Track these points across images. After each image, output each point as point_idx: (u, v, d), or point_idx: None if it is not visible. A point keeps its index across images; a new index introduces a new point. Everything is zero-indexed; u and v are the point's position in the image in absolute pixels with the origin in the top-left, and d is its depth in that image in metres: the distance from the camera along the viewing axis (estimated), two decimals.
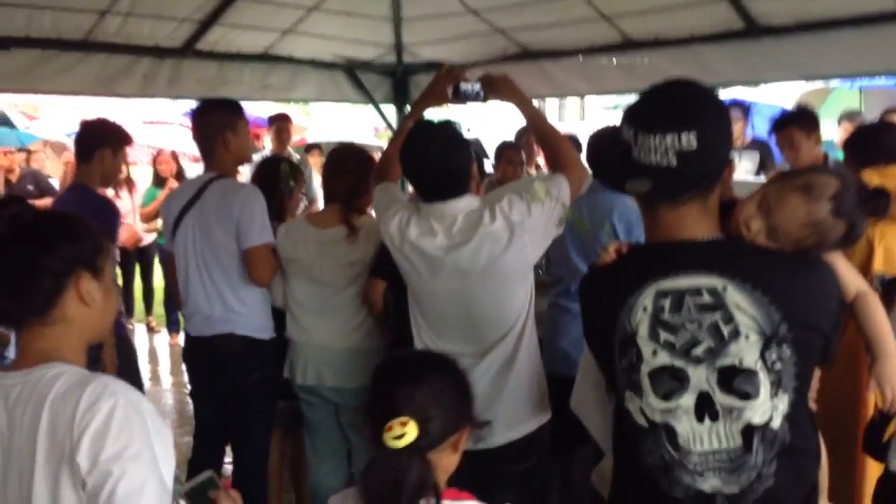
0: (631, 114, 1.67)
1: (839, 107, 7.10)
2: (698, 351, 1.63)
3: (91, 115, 4.91)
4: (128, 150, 4.33)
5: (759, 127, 6.75)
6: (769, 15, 4.71)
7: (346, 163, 3.29)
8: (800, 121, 4.78)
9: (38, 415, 1.42)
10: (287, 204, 3.91)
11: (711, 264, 1.66)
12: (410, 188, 3.19)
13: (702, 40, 5.06)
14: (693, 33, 5.06)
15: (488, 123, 13.07)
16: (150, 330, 9.01)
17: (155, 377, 7.51)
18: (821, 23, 4.57)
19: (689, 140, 1.56)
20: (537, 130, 2.73)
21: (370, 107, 6.78)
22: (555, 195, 2.44)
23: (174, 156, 7.95)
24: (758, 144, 6.09)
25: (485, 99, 2.80)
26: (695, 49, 5.13)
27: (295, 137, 10.02)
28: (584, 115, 21.33)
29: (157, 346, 8.59)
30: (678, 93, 1.66)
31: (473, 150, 2.59)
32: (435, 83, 2.96)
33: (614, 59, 5.55)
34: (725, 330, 1.62)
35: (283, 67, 5.95)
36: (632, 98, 1.80)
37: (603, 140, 3.44)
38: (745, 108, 6.11)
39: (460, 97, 2.81)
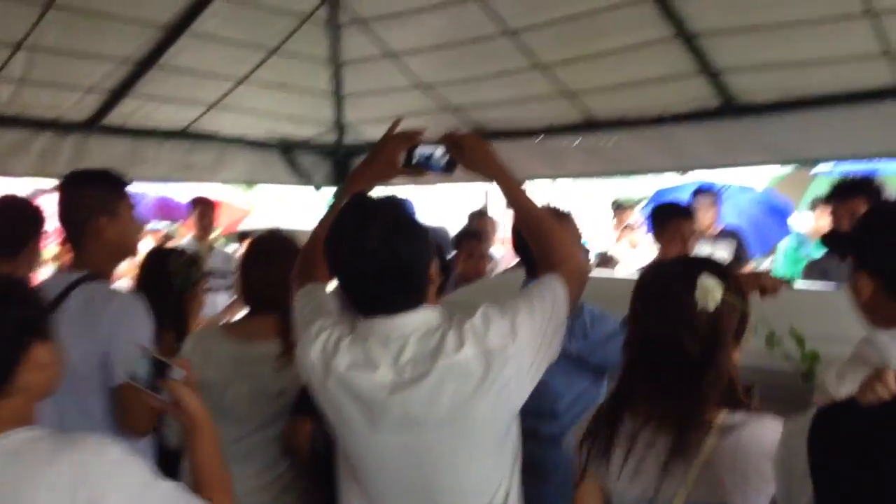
0: None
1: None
2: None
3: None
4: None
5: (728, 213, 6.31)
6: (750, 91, 4.27)
7: (279, 255, 2.47)
8: (869, 190, 3.94)
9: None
10: (188, 308, 3.14)
11: None
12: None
13: (674, 119, 4.59)
14: (664, 112, 4.59)
15: (442, 203, 10.85)
16: None
17: None
18: (807, 100, 4.13)
19: None
20: (522, 214, 1.98)
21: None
22: (549, 306, 1.75)
23: None
24: (730, 234, 5.62)
25: (450, 169, 2.06)
26: (666, 129, 4.67)
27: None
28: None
29: None
30: None
31: (435, 242, 1.90)
32: (382, 147, 2.10)
33: (577, 140, 5.04)
34: None
35: (207, 145, 5.30)
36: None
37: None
38: (714, 194, 5.65)
39: (417, 166, 2.07)
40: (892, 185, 7.53)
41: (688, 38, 3.93)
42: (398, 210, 1.74)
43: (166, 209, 9.98)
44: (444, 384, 1.65)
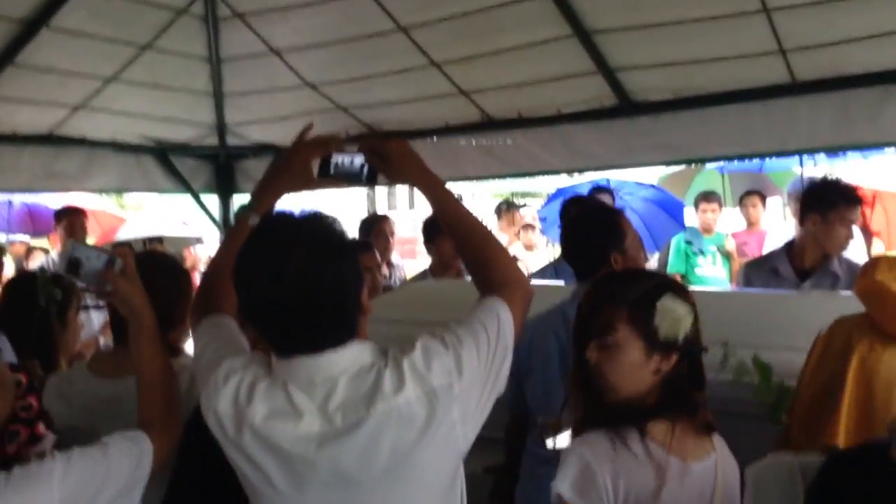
0: None
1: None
2: None
3: None
4: None
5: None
6: (646, 90, 4.23)
7: (156, 277, 2.03)
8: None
9: None
10: (58, 340, 2.74)
11: None
12: None
13: (570, 119, 4.50)
14: (561, 111, 4.50)
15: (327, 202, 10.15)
16: None
17: None
18: (701, 99, 4.12)
19: None
20: (456, 227, 1.75)
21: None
22: (495, 334, 1.54)
23: None
24: None
25: (371, 179, 1.83)
26: (563, 129, 4.58)
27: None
28: (414, 202, 20.94)
29: None
30: None
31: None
32: (293, 156, 1.86)
33: (473, 140, 4.89)
34: None
35: (74, 151, 4.86)
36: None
37: None
38: (611, 193, 5.62)
39: (333, 176, 1.82)
40: (781, 182, 7.86)
41: (584, 36, 3.84)
42: (324, 228, 1.49)
43: (36, 219, 9.25)
44: (382, 432, 1.42)
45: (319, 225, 1.49)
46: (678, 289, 1.73)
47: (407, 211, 21.52)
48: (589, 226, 2.57)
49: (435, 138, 5.01)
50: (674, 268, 5.82)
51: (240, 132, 5.42)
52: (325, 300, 1.42)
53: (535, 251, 7.05)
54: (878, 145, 4.10)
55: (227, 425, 1.48)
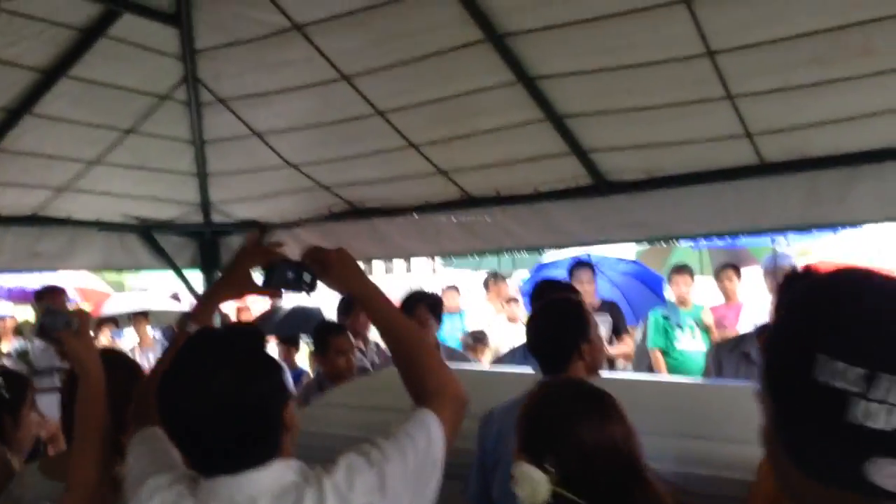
0: (852, 341, 0.82)
1: None
2: None
3: None
4: None
5: (602, 286, 6.36)
6: (618, 171, 4.31)
7: (110, 379, 1.98)
8: None
9: None
10: (10, 438, 2.63)
11: None
12: None
13: (548, 197, 4.58)
14: (538, 189, 4.58)
15: None
16: None
17: None
18: (673, 178, 4.20)
19: None
20: (391, 336, 1.79)
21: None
22: (423, 447, 1.54)
23: None
24: (608, 306, 5.65)
25: (312, 287, 1.89)
26: (540, 207, 4.66)
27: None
28: (411, 266, 21.03)
29: None
30: None
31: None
32: (236, 265, 1.93)
33: (453, 217, 4.96)
34: None
35: (58, 231, 4.91)
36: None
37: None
38: (592, 268, 5.67)
39: (275, 284, 1.86)
40: (759, 254, 7.92)
41: (556, 120, 3.93)
42: (248, 348, 1.50)
43: (22, 297, 9.24)
44: None
45: (243, 344, 1.50)
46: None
47: (404, 274, 21.67)
48: (555, 320, 2.58)
49: (416, 215, 5.09)
50: (653, 342, 5.83)
51: (224, 210, 5.49)
52: (246, 421, 1.42)
53: (518, 324, 7.07)
54: (846, 224, 4.15)
55: None
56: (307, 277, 1.84)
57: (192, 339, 1.57)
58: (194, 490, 1.48)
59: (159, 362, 1.86)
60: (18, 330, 8.11)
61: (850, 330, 0.81)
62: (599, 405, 1.75)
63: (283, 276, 1.85)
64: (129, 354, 8.55)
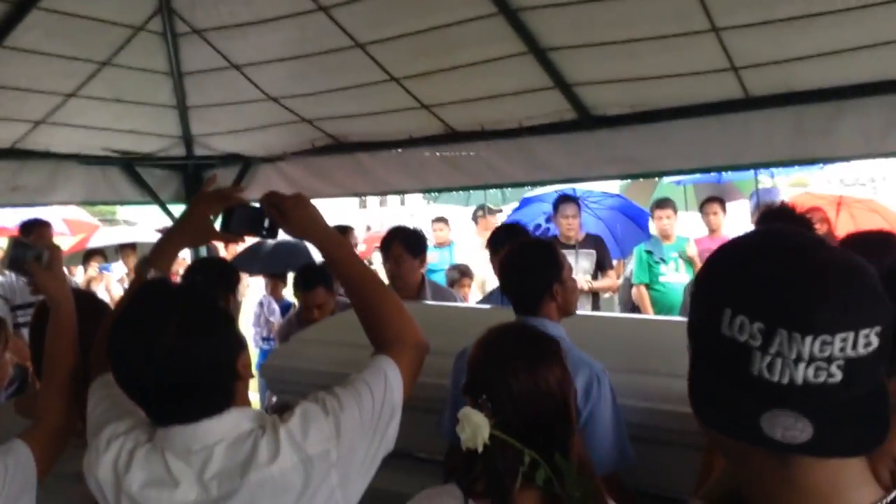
0: (753, 297, 0.84)
1: None
2: None
3: None
4: None
5: (587, 221, 6.34)
6: (603, 105, 4.26)
7: (82, 318, 1.97)
8: None
9: None
10: None
11: None
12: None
13: (531, 131, 4.53)
14: (521, 124, 4.52)
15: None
16: None
17: None
18: (657, 113, 4.15)
19: (869, 339, 0.82)
20: (350, 283, 1.76)
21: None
22: (380, 393, 1.54)
23: None
24: (593, 241, 5.65)
25: (272, 232, 1.87)
26: (524, 142, 4.61)
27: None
28: (405, 199, 20.97)
29: None
30: (836, 260, 0.85)
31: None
32: (193, 210, 1.88)
33: (437, 152, 4.92)
34: None
35: (37, 165, 4.85)
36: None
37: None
38: (576, 201, 5.65)
39: (234, 229, 1.85)
40: (746, 188, 7.90)
41: (539, 53, 3.86)
42: (195, 300, 1.48)
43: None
44: (256, 502, 1.41)
45: (191, 298, 1.48)
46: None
47: (398, 207, 21.59)
48: (527, 262, 2.54)
49: (400, 150, 5.05)
50: (638, 278, 5.84)
51: (207, 143, 5.43)
52: (196, 376, 1.41)
53: None
54: (831, 159, 4.14)
55: (107, 491, 1.48)
56: (266, 221, 1.82)
57: (140, 292, 1.55)
58: (152, 436, 1.49)
59: (114, 309, 1.84)
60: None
61: (752, 286, 0.83)
62: (536, 350, 1.75)
63: (241, 220, 1.83)
64: (118, 286, 8.64)
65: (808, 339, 0.79)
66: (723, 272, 0.89)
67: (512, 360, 1.72)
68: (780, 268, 0.83)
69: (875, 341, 0.81)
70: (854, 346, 0.80)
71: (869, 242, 2.36)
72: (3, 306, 4.47)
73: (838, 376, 0.80)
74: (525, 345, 1.77)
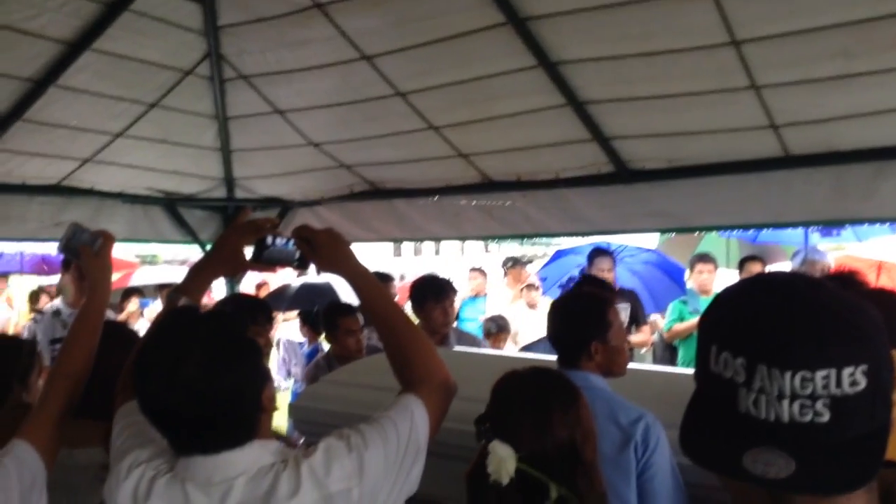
0: (735, 332, 0.84)
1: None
2: None
3: None
4: None
5: (622, 275, 6.30)
6: (640, 159, 4.26)
7: (111, 350, 1.97)
8: None
9: None
10: (20, 402, 2.55)
11: None
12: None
13: (568, 183, 4.53)
14: (558, 175, 4.54)
15: None
16: None
17: None
18: (695, 169, 4.14)
19: (855, 378, 0.80)
20: (379, 320, 1.76)
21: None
22: (406, 434, 1.52)
23: None
24: (626, 294, 5.59)
25: (303, 265, 1.92)
26: (561, 193, 4.61)
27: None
28: (440, 249, 21.06)
29: None
30: (822, 299, 0.84)
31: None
32: (226, 239, 1.93)
33: (473, 200, 4.94)
34: None
35: (82, 201, 4.96)
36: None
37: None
38: (611, 255, 5.62)
39: (265, 260, 1.88)
40: (789, 253, 7.76)
41: (577, 105, 3.89)
42: (222, 330, 1.48)
43: (49, 264, 9.39)
44: None
45: (216, 328, 1.48)
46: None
47: (433, 257, 21.69)
48: (572, 315, 2.46)
49: (436, 198, 5.09)
50: (672, 323, 5.79)
51: (247, 185, 5.53)
52: (218, 407, 1.40)
53: (537, 310, 7.03)
54: (873, 220, 4.06)
55: None
56: (298, 254, 1.84)
57: (167, 320, 1.57)
58: (173, 466, 1.48)
59: (144, 336, 1.85)
60: (57, 292, 8.30)
61: (734, 322, 0.85)
62: (544, 391, 1.71)
63: (273, 252, 1.86)
64: None
65: (788, 375, 0.79)
66: (713, 311, 0.90)
67: (517, 393, 1.70)
68: (762, 305, 0.84)
69: (862, 380, 0.79)
70: (838, 383, 0.79)
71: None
72: (42, 339, 4.54)
73: (826, 415, 0.79)
74: (532, 385, 1.73)
